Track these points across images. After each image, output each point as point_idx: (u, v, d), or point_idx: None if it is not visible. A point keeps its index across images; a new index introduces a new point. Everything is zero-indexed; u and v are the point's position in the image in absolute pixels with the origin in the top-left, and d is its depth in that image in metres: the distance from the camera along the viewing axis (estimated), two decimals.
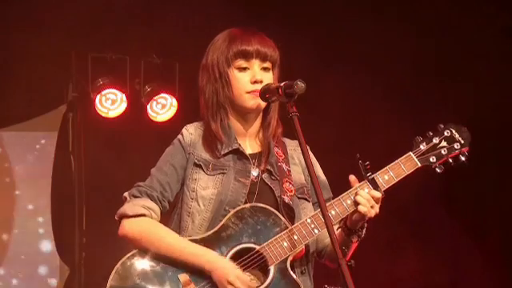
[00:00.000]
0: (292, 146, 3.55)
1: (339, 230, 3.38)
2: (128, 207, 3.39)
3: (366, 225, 3.36)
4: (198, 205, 3.39)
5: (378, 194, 3.30)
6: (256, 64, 3.43)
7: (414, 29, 6.42)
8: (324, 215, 3.07)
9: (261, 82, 3.40)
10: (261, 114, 3.51)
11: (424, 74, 6.52)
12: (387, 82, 6.43)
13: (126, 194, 3.44)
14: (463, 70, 6.42)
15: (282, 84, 3.25)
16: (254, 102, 3.41)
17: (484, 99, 6.28)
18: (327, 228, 3.04)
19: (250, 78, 3.42)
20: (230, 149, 3.45)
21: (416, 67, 6.48)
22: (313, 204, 3.47)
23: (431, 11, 6.44)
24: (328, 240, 3.43)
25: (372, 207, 3.29)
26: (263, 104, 3.44)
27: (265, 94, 3.36)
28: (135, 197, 3.41)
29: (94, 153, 6.73)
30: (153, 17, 6.35)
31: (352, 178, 3.34)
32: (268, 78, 3.44)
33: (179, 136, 3.51)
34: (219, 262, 3.25)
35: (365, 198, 3.28)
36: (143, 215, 3.37)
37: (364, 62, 6.44)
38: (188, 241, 3.33)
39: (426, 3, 6.43)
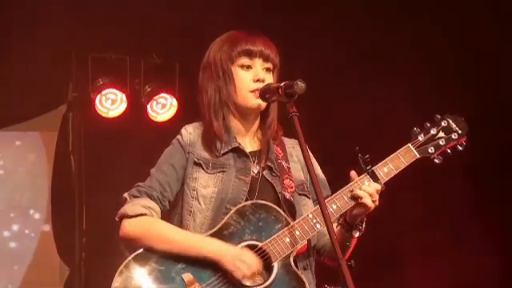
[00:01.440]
0: (290, 144, 3.57)
1: (338, 226, 3.39)
2: (128, 207, 3.39)
3: (365, 219, 3.36)
4: (199, 203, 3.39)
5: (378, 187, 3.31)
6: (259, 63, 3.45)
7: (413, 28, 6.43)
8: (324, 215, 3.07)
9: (263, 80, 3.42)
10: (260, 114, 3.52)
11: (424, 71, 6.52)
12: (387, 81, 6.44)
13: (125, 195, 3.45)
14: (465, 70, 6.42)
15: (282, 84, 3.26)
16: (255, 101, 3.43)
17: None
18: (327, 228, 3.04)
19: (253, 77, 3.43)
20: (230, 147, 3.45)
21: (417, 64, 6.48)
22: (313, 201, 3.48)
23: (429, 12, 6.45)
24: (327, 238, 3.43)
25: (373, 200, 3.29)
26: (264, 104, 3.45)
27: (265, 93, 3.37)
28: (135, 197, 3.42)
29: (93, 153, 6.73)
30: (153, 17, 6.35)
31: (352, 172, 3.35)
32: (269, 78, 3.46)
33: (178, 136, 3.52)
34: (222, 251, 3.25)
35: (366, 191, 3.29)
36: (143, 214, 3.37)
37: (364, 61, 6.44)
38: (190, 233, 3.34)
39: (424, 5, 6.44)
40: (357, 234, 3.36)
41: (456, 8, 6.33)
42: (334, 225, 3.36)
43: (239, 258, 3.23)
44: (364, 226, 3.38)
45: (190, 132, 3.51)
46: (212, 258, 3.25)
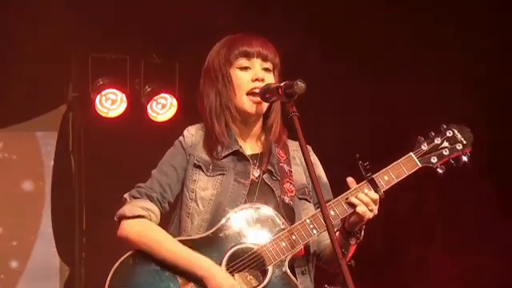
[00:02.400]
0: (294, 146, 3.54)
1: (337, 233, 3.37)
2: (127, 208, 3.40)
3: (364, 227, 3.35)
4: (197, 206, 3.39)
5: (376, 196, 3.29)
6: (257, 63, 3.44)
7: (414, 29, 6.43)
8: (324, 215, 3.07)
9: (262, 80, 3.41)
10: (262, 117, 3.51)
11: (424, 71, 6.52)
12: (386, 80, 6.44)
13: (126, 196, 3.45)
14: (463, 69, 6.42)
15: (282, 84, 3.26)
16: (252, 107, 3.42)
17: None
18: (327, 228, 3.05)
19: (252, 77, 3.43)
20: (231, 151, 3.45)
21: (416, 64, 6.48)
22: (314, 205, 3.47)
23: (428, 11, 6.45)
24: (326, 243, 3.44)
25: (370, 209, 3.28)
26: (264, 108, 3.45)
27: (265, 93, 3.37)
28: (135, 198, 3.42)
29: (93, 153, 6.73)
30: (153, 17, 6.35)
31: (349, 179, 3.33)
32: (269, 78, 3.44)
33: (180, 137, 3.52)
34: (212, 271, 3.25)
35: (363, 200, 3.28)
36: (142, 216, 3.37)
37: (363, 60, 6.43)
38: (184, 247, 3.32)
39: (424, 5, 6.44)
40: (353, 242, 3.34)
41: (457, 7, 6.34)
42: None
43: (226, 284, 3.22)
44: (362, 233, 3.35)
45: (192, 133, 3.51)
46: (201, 276, 3.25)
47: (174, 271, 3.28)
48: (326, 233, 3.35)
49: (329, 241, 3.38)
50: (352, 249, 3.37)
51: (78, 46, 6.59)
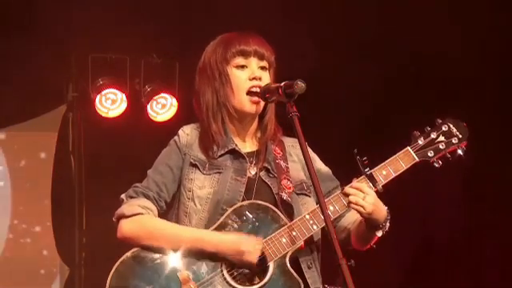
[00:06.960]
0: (289, 142, 3.56)
1: (360, 225, 3.39)
2: (125, 208, 3.41)
3: (389, 218, 3.35)
4: (195, 205, 3.39)
5: (371, 192, 3.29)
6: (254, 62, 3.45)
7: (414, 27, 6.43)
8: (324, 214, 3.08)
9: (259, 79, 3.42)
10: (257, 115, 3.52)
11: (424, 72, 6.52)
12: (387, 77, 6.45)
13: (122, 196, 3.46)
14: (464, 69, 6.42)
15: (282, 84, 3.26)
16: (252, 107, 3.43)
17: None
18: (327, 227, 3.05)
19: (249, 75, 3.43)
20: (227, 149, 3.46)
21: (422, 63, 6.48)
22: (314, 199, 3.48)
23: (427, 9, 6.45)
24: (345, 225, 3.47)
25: (364, 199, 3.28)
26: (260, 108, 3.46)
27: (265, 93, 3.37)
28: (132, 197, 3.43)
29: (93, 153, 6.73)
30: (153, 17, 6.35)
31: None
32: (266, 76, 3.46)
33: (175, 137, 3.53)
34: (221, 239, 3.26)
35: (354, 187, 3.30)
36: (140, 214, 3.38)
37: (363, 57, 6.44)
38: (187, 227, 3.35)
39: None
40: (380, 234, 3.36)
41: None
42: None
43: (239, 250, 3.23)
44: (388, 225, 3.36)
45: (188, 133, 3.52)
46: (210, 250, 3.26)
47: (178, 262, 3.28)
48: (344, 219, 3.45)
49: (349, 224, 3.45)
50: (375, 239, 3.40)
51: (78, 45, 6.60)
